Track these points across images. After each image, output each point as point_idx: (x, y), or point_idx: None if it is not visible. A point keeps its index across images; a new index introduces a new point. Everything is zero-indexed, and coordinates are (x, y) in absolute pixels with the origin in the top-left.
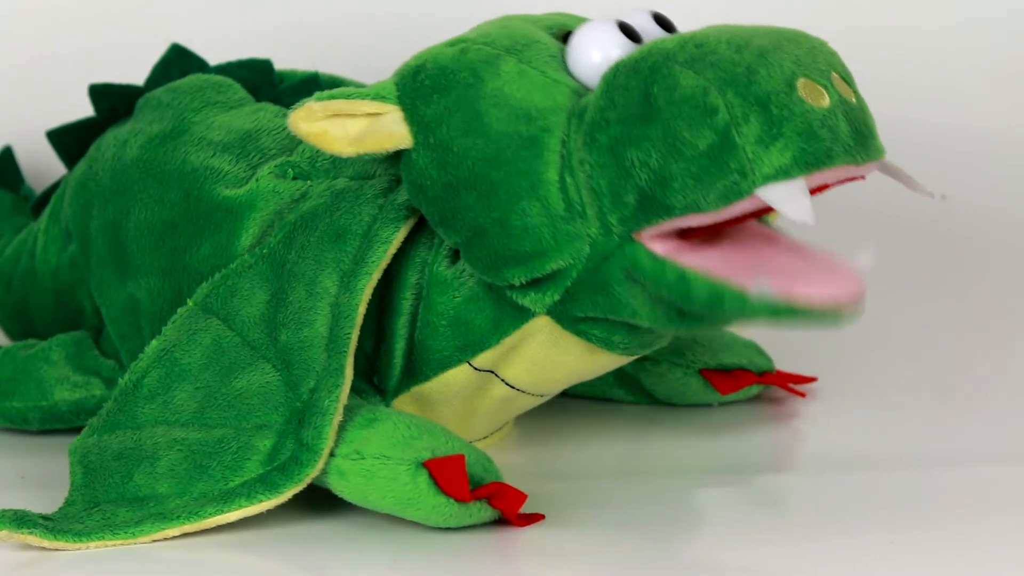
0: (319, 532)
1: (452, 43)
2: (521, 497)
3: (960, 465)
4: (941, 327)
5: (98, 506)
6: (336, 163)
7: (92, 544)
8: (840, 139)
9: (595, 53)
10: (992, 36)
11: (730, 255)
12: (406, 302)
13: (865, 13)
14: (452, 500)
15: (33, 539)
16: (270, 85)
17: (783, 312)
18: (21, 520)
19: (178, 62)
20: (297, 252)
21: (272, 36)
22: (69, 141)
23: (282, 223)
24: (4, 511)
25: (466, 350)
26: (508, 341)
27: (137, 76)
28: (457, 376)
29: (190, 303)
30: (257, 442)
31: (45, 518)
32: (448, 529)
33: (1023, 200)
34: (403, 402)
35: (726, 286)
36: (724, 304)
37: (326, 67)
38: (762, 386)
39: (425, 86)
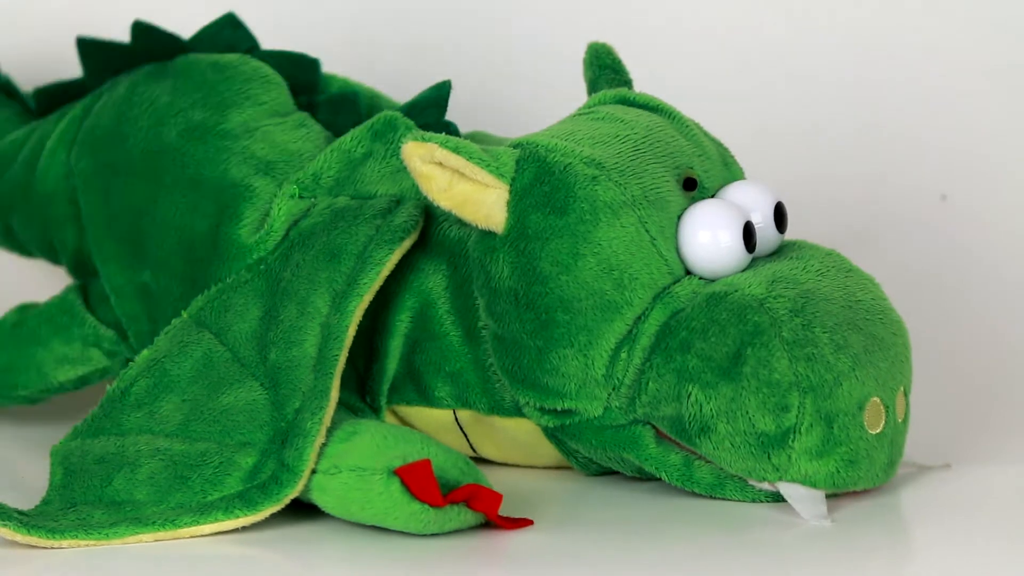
0: (311, 532)
1: (589, 162)
2: (497, 497)
3: (958, 465)
4: (940, 327)
5: (74, 507)
6: (339, 181)
7: (65, 542)
8: (872, 469)
9: (706, 238)
10: (992, 36)
11: None
12: (401, 324)
13: (865, 13)
14: (427, 506)
15: (6, 532)
16: (313, 89)
17: (781, 499)
18: None
19: (229, 31)
20: (292, 270)
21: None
22: (97, 57)
23: (284, 240)
24: None
25: (458, 400)
26: (496, 419)
27: None
28: (438, 417)
29: (184, 314)
30: (239, 459)
31: (20, 513)
32: (434, 534)
33: (1023, 200)
34: (386, 416)
35: (727, 476)
36: (725, 489)
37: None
38: None
39: (544, 193)
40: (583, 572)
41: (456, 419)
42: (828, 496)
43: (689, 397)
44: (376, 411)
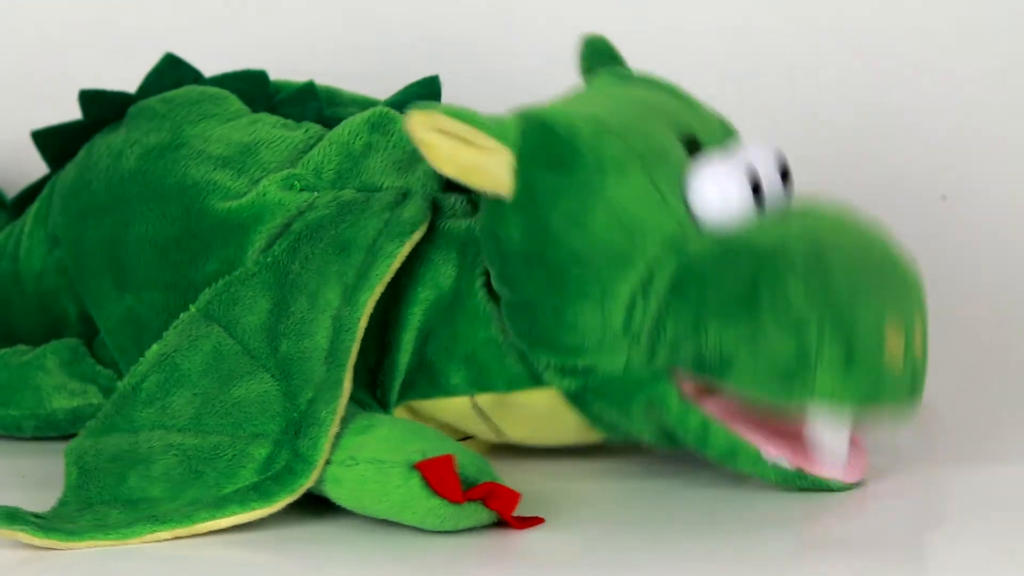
0: (318, 533)
1: (591, 120)
2: (515, 496)
3: (957, 464)
4: (939, 327)
5: (91, 507)
6: (342, 174)
7: (83, 544)
8: (897, 389)
9: (713, 190)
10: (992, 36)
11: (750, 411)
12: (414, 317)
13: (865, 13)
14: (446, 502)
15: (24, 536)
16: (266, 97)
17: (791, 479)
18: (12, 517)
19: (171, 72)
20: (301, 263)
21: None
22: (54, 143)
23: (288, 233)
24: None
25: (474, 385)
26: (516, 394)
27: (123, 84)
28: (456, 405)
29: (192, 309)
30: (253, 450)
31: (37, 516)
32: (447, 532)
33: (1023, 200)
34: (398, 413)
35: (743, 443)
36: (738, 459)
37: (318, 77)
38: None
39: (551, 154)
40: (596, 572)
41: (476, 405)
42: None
43: (707, 331)
44: (385, 407)
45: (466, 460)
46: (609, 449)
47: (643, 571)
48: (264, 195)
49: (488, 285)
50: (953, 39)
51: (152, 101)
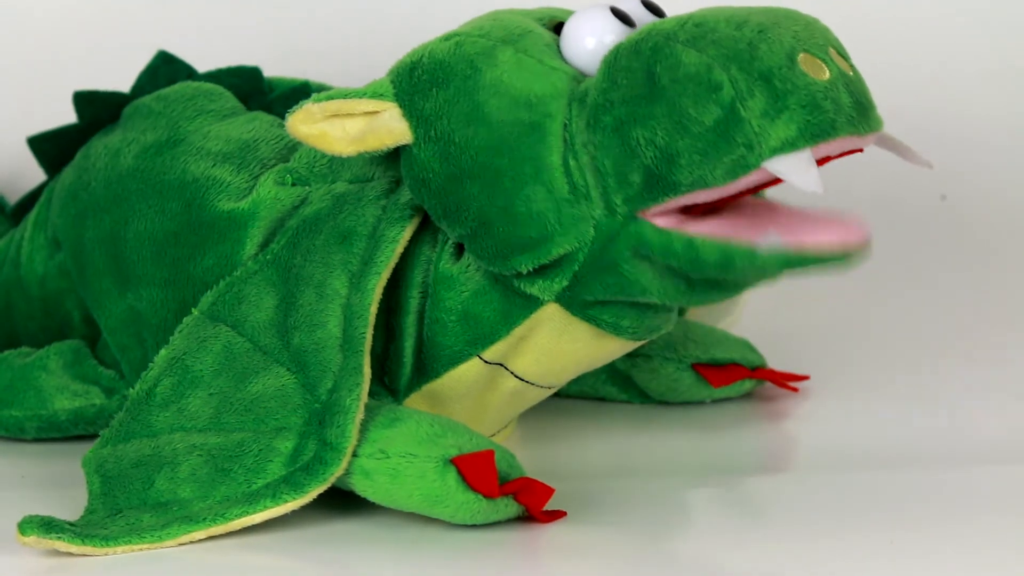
0: (344, 532)
1: (446, 38)
2: (548, 491)
3: (956, 464)
4: (937, 326)
5: (120, 513)
6: (333, 167)
7: (119, 549)
8: (843, 110)
9: (590, 39)
10: (992, 36)
11: (733, 220)
12: (413, 300)
13: (865, 13)
14: (480, 496)
15: (61, 544)
16: (260, 93)
17: (794, 261)
18: (48, 526)
19: (165, 69)
20: (303, 256)
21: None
22: (50, 148)
23: (284, 229)
24: (31, 517)
25: (476, 344)
26: (517, 331)
27: (117, 83)
28: (468, 371)
29: (195, 312)
30: (278, 444)
31: (71, 524)
32: (469, 526)
33: (1023, 200)
34: (414, 401)
35: (734, 244)
36: (735, 262)
37: (312, 74)
38: (754, 382)
39: (423, 81)
40: (618, 565)
41: (487, 362)
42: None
43: (639, 144)
44: (395, 393)
45: (499, 455)
46: (607, 447)
47: (663, 564)
48: (259, 191)
49: (456, 246)
50: (953, 39)
51: (147, 100)
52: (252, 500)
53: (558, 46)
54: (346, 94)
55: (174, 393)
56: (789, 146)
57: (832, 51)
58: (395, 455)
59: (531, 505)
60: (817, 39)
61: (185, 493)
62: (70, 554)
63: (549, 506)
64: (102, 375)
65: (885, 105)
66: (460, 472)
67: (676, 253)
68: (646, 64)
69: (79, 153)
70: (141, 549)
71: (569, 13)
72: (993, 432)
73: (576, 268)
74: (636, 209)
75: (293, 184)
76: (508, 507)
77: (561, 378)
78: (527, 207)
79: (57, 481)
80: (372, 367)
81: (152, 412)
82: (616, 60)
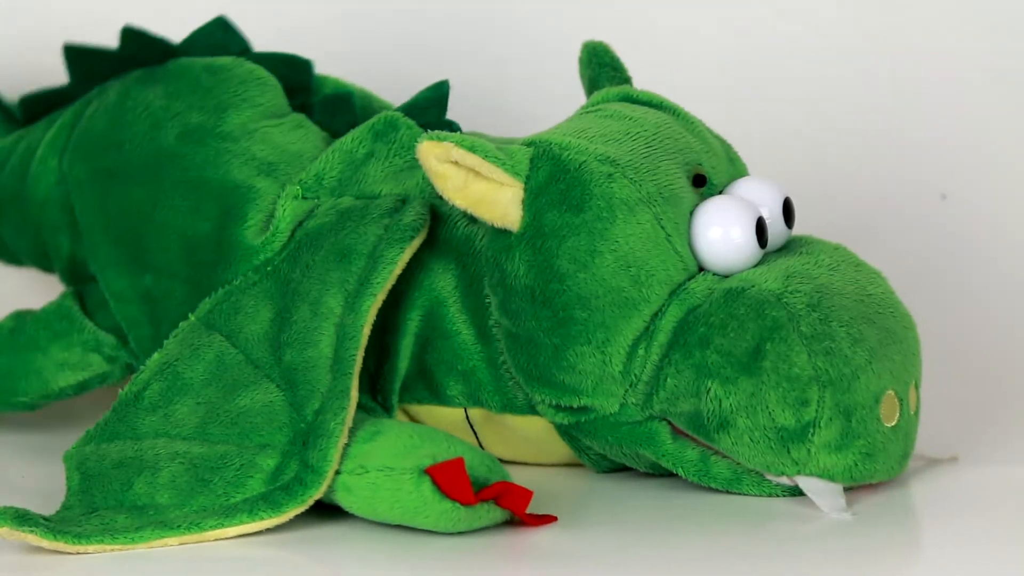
0: (333, 534)
1: (603, 159)
2: (527, 494)
3: (964, 462)
4: (939, 327)
5: (96, 511)
6: (342, 182)
7: (91, 548)
8: (888, 462)
9: (718, 235)
10: (992, 36)
11: None
12: (412, 323)
13: (866, 12)
14: (458, 504)
15: (33, 538)
16: (306, 90)
17: (797, 493)
18: (22, 518)
19: (219, 34)
20: (302, 271)
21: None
22: (84, 62)
23: (289, 242)
24: (5, 508)
25: (470, 399)
26: (508, 417)
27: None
28: (449, 415)
29: (192, 317)
30: (260, 460)
31: (46, 519)
32: (460, 532)
33: (1023, 200)
34: (396, 415)
35: (745, 469)
36: (742, 483)
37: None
38: None
39: (559, 191)
40: (609, 570)
41: (467, 417)
42: (844, 489)
43: (708, 392)
44: (388, 410)
45: (476, 460)
46: None
47: (653, 568)
48: (281, 211)
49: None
50: (953, 39)
51: (197, 65)
52: (228, 513)
53: (691, 220)
54: (487, 153)
55: (162, 398)
56: (827, 475)
57: (912, 389)
58: (373, 469)
59: (514, 509)
60: (907, 375)
61: (163, 499)
62: (42, 548)
63: (533, 509)
64: (103, 342)
65: (885, 105)
66: (435, 481)
67: (687, 463)
68: (759, 335)
69: (115, 91)
70: (113, 550)
71: (714, 158)
72: (993, 433)
73: (583, 421)
74: (667, 417)
75: (304, 198)
76: (490, 513)
77: (520, 460)
78: (576, 361)
79: (57, 483)
80: (366, 383)
81: (139, 415)
82: (736, 304)
